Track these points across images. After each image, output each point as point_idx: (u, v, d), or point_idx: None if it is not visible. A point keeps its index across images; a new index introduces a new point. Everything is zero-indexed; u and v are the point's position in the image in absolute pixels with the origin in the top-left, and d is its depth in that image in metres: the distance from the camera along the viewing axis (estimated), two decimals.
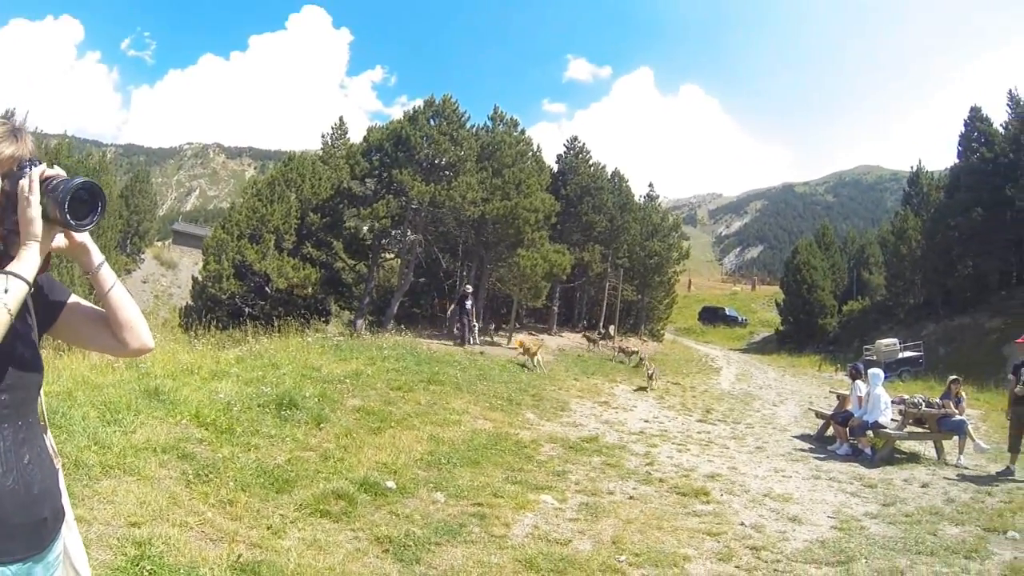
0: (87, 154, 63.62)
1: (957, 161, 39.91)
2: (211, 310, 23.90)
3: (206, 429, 7.27)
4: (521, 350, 19.59)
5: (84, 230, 1.69)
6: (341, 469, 7.06)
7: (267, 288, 25.51)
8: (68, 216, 1.62)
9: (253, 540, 4.94)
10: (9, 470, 1.63)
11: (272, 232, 26.44)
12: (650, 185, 42.79)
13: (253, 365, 11.36)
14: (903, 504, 8.07)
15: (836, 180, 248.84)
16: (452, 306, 24.74)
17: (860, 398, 11.84)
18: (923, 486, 9.13)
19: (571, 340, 30.48)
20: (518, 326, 30.15)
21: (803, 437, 13.07)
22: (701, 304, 72.30)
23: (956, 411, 11.43)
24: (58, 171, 1.68)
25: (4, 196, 1.66)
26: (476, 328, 23.41)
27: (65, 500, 1.86)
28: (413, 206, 25.45)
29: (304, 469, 6.81)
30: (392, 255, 30.12)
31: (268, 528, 5.25)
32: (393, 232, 27.91)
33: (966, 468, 10.44)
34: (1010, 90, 37.80)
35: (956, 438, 11.15)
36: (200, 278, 26.88)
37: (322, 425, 8.67)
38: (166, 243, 68.88)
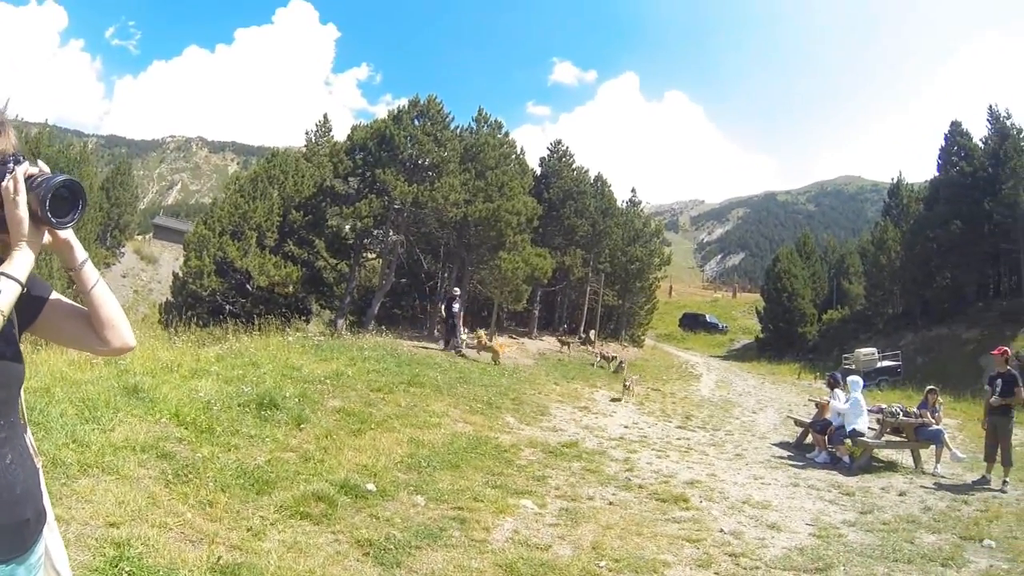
0: (68, 144, 62.88)
1: (937, 174, 40.34)
2: (191, 307, 23.76)
3: (186, 428, 7.20)
4: (475, 342, 19.48)
5: (65, 228, 1.68)
6: (321, 471, 7.01)
7: (248, 286, 25.33)
8: (49, 214, 1.61)
9: (233, 542, 4.90)
10: None
11: (254, 229, 26.26)
12: (633, 190, 42.92)
13: (234, 364, 11.28)
14: (881, 512, 8.15)
15: (818, 189, 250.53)
16: (440, 307, 24.21)
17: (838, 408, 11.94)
18: (900, 494, 9.23)
19: (551, 344, 30.47)
20: (498, 329, 30.12)
21: (782, 444, 13.15)
22: (682, 310, 72.47)
23: (933, 420, 11.58)
24: (40, 167, 1.67)
25: None
26: (463, 332, 22.71)
27: (46, 500, 1.83)
28: (396, 206, 25.41)
29: (284, 470, 6.76)
30: (374, 255, 29.98)
31: (248, 530, 5.21)
32: (375, 232, 27.82)
33: (943, 477, 10.59)
34: (990, 105, 38.37)
35: (933, 447, 11.31)
36: (181, 274, 26.67)
37: (302, 426, 8.62)
38: (147, 237, 68.20)
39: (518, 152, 32.44)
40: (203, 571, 4.33)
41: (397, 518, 6.11)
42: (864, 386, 12.78)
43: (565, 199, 35.53)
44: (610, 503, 7.72)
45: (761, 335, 50.48)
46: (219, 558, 4.53)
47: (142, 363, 9.55)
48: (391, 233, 26.96)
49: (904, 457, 11.68)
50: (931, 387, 12.75)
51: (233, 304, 24.94)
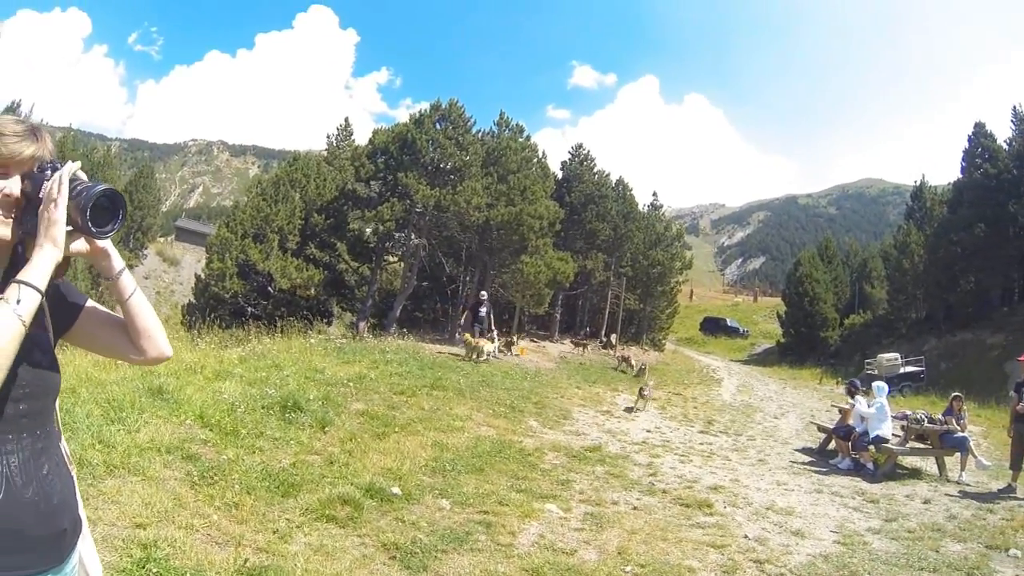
0: (92, 148, 63.84)
1: (961, 176, 39.85)
2: (214, 308, 23.94)
3: (210, 430, 7.26)
4: (464, 343, 19.17)
5: (105, 238, 1.65)
6: (346, 474, 7.03)
7: (270, 288, 25.51)
8: (90, 223, 1.58)
9: (259, 544, 4.92)
10: (28, 482, 1.57)
11: (276, 232, 26.46)
12: (654, 194, 42.52)
13: (256, 366, 11.35)
14: (905, 520, 8.08)
15: (839, 192, 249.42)
16: (465, 313, 23.53)
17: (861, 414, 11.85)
18: (925, 502, 9.15)
19: (572, 348, 30.43)
20: (520, 332, 30.09)
21: (805, 450, 13.06)
22: (702, 314, 72.28)
23: (958, 427, 11.47)
24: (81, 175, 1.63)
25: (24, 198, 1.59)
26: (494, 337, 21.79)
27: (81, 509, 1.81)
28: (418, 210, 25.41)
29: (309, 473, 6.78)
30: (395, 258, 30.01)
31: (274, 532, 5.23)
32: (397, 235, 27.79)
33: (968, 485, 10.46)
34: (1014, 106, 37.89)
35: (958, 454, 11.19)
36: (203, 276, 26.92)
37: (326, 429, 8.66)
38: (169, 239, 68.95)
39: (540, 156, 32.36)
40: (230, 574, 4.35)
41: (423, 522, 6.11)
42: (888, 392, 12.68)
43: (587, 203, 35.36)
44: (634, 508, 7.70)
45: (782, 339, 50.16)
46: (246, 560, 4.54)
47: (166, 364, 9.59)
48: (413, 236, 26.94)
49: (928, 464, 11.58)
50: (956, 393, 12.64)
51: (255, 306, 25.14)
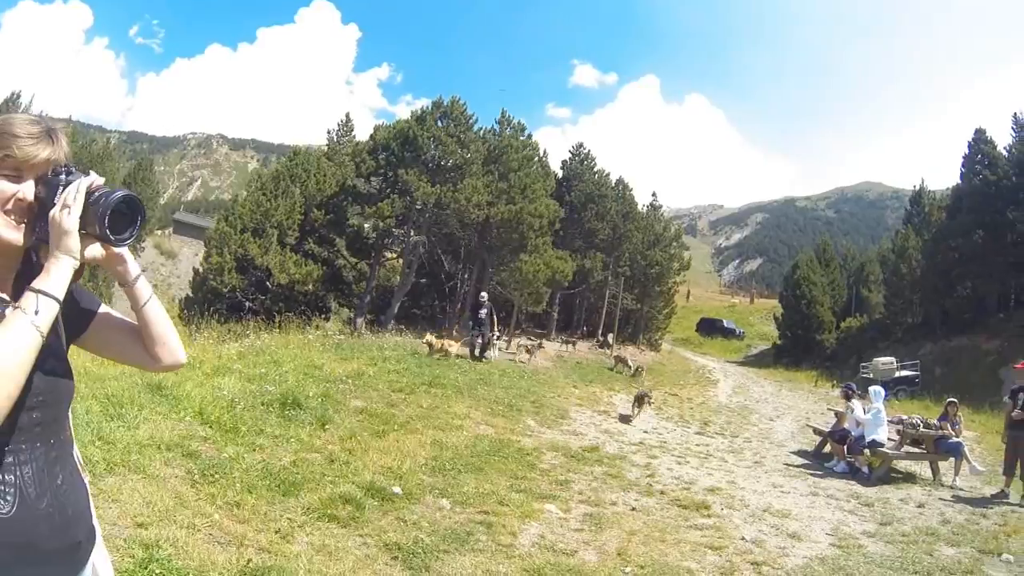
0: (91, 140, 63.77)
1: (959, 182, 39.84)
2: (212, 303, 23.96)
3: (210, 427, 7.26)
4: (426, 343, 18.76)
5: (124, 245, 1.60)
6: (347, 472, 7.04)
7: (268, 283, 25.54)
8: (108, 231, 1.52)
9: (262, 544, 4.90)
10: (43, 493, 1.52)
11: (275, 227, 26.48)
12: (653, 194, 42.48)
13: (255, 362, 11.37)
14: (900, 524, 8.15)
15: (838, 196, 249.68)
16: (465, 314, 23.14)
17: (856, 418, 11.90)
18: (919, 506, 9.22)
19: (568, 347, 30.43)
20: (517, 330, 30.11)
21: (800, 453, 13.12)
22: (699, 315, 72.18)
23: (953, 433, 11.52)
24: (96, 181, 1.56)
25: (38, 202, 1.53)
26: (495, 339, 21.12)
27: (94, 518, 1.76)
28: (418, 207, 25.46)
29: (310, 472, 6.78)
30: (394, 255, 30.01)
31: (276, 532, 5.22)
32: (396, 232, 27.81)
33: (961, 489, 10.54)
34: (1015, 113, 37.80)
35: (952, 459, 11.26)
36: (201, 270, 26.94)
37: (326, 426, 8.69)
38: (167, 232, 68.77)
39: (541, 155, 32.39)
40: (233, 574, 4.34)
41: (424, 521, 6.14)
42: (884, 396, 12.72)
43: (586, 202, 35.44)
44: (633, 509, 7.75)
45: (778, 341, 50.14)
46: (249, 561, 4.51)
47: None
48: (412, 233, 26.94)
49: (923, 469, 11.65)
50: (951, 399, 12.67)
51: (253, 301, 25.16)
